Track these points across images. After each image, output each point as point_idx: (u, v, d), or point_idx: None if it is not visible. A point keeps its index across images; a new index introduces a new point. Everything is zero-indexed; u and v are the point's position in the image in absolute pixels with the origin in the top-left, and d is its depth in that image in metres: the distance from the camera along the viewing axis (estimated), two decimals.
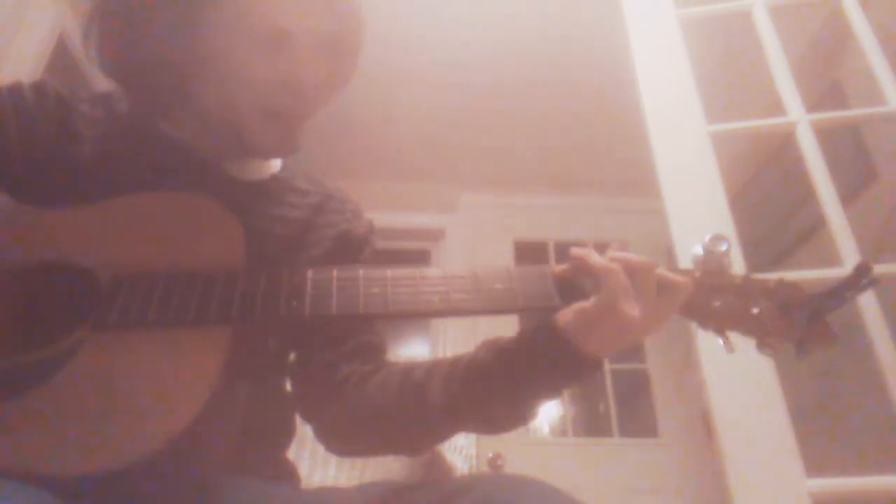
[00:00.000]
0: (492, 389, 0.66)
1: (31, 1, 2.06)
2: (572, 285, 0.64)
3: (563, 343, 0.62)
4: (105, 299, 0.60)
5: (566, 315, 0.63)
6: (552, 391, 0.65)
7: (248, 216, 0.70)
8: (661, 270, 0.63)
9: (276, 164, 0.88)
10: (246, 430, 0.63)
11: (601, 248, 0.67)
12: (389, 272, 0.64)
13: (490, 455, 2.64)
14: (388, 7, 2.38)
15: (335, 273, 0.64)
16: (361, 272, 0.64)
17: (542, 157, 3.12)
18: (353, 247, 0.87)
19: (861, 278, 0.63)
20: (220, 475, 0.66)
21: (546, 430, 3.01)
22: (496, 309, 0.63)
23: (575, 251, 0.64)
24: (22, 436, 0.52)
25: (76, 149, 0.75)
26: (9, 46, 1.96)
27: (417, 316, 0.63)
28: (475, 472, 2.44)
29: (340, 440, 0.79)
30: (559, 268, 0.65)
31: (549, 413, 3.02)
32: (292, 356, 0.83)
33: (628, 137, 1.71)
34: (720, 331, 0.65)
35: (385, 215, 3.20)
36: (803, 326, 0.64)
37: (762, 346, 0.65)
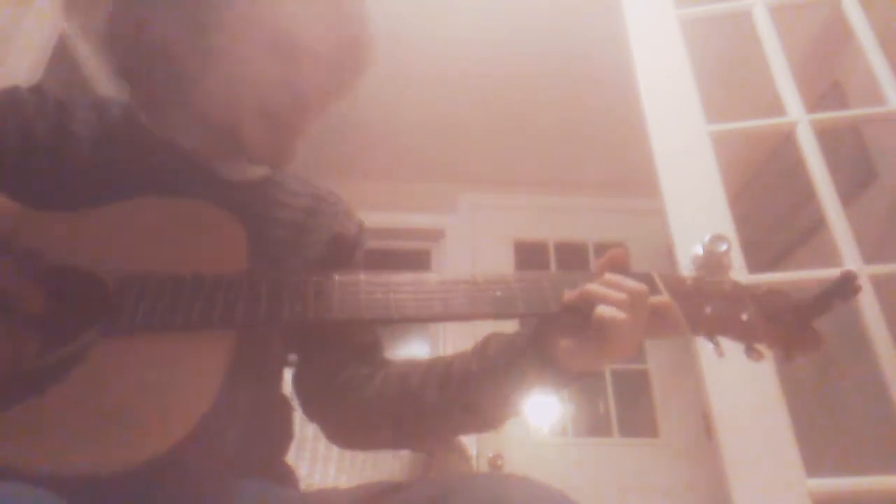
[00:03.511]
0: (481, 401, 0.70)
1: (30, 1, 2.06)
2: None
3: (553, 369, 0.65)
4: (113, 304, 0.61)
5: (564, 344, 0.65)
6: (538, 395, 0.69)
7: (244, 218, 0.71)
8: (619, 279, 0.64)
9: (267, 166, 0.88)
10: (247, 433, 0.64)
11: (601, 249, 0.67)
12: (391, 277, 0.65)
13: (490, 455, 2.64)
14: (387, 6, 2.37)
15: (337, 278, 0.65)
16: (363, 277, 0.65)
17: (542, 157, 3.12)
18: (345, 249, 0.87)
19: (847, 285, 0.63)
20: (222, 476, 0.66)
21: (546, 430, 3.01)
22: (495, 314, 0.64)
23: (589, 289, 0.64)
24: (31, 438, 0.53)
25: (73, 150, 0.75)
26: (9, 47, 1.96)
27: (419, 321, 0.64)
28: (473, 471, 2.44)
29: (343, 439, 0.83)
30: (567, 297, 0.65)
31: (549, 413, 3.02)
32: (293, 360, 0.84)
33: (628, 137, 1.71)
34: (711, 336, 0.66)
35: (385, 215, 3.21)
36: (790, 333, 0.65)
37: (750, 351, 0.66)
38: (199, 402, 0.55)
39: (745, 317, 0.66)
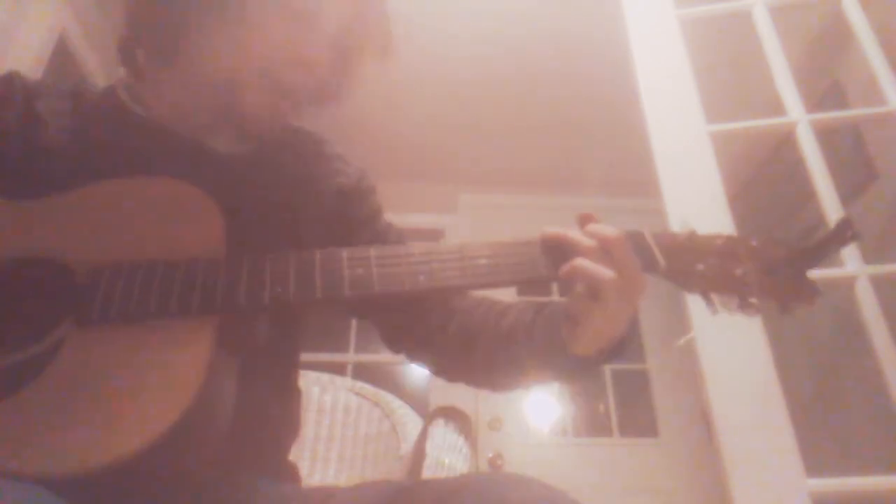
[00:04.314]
0: (531, 372, 0.72)
1: (31, 1, 2.06)
2: (561, 251, 0.64)
3: (576, 360, 0.65)
4: (85, 294, 0.58)
5: (570, 329, 0.65)
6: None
7: (238, 191, 0.69)
8: (594, 226, 0.63)
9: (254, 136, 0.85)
10: (244, 425, 0.62)
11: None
12: (373, 251, 0.63)
13: (490, 455, 2.64)
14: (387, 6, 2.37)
15: (318, 255, 0.63)
16: (345, 253, 0.63)
17: (542, 157, 3.12)
18: (352, 202, 0.86)
19: (843, 232, 0.63)
20: (217, 472, 0.65)
21: (546, 430, 3.01)
22: (482, 284, 0.63)
23: (552, 232, 0.65)
24: (11, 437, 0.51)
25: (43, 137, 0.73)
26: (9, 46, 1.96)
27: (404, 295, 0.62)
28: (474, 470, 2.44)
29: (442, 377, 0.86)
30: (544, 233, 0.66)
31: (549, 413, 3.02)
32: (380, 325, 0.85)
33: (628, 137, 1.71)
34: (704, 293, 0.65)
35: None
36: (786, 285, 0.64)
37: (744, 305, 0.64)
38: (182, 390, 0.53)
39: (739, 272, 0.65)
